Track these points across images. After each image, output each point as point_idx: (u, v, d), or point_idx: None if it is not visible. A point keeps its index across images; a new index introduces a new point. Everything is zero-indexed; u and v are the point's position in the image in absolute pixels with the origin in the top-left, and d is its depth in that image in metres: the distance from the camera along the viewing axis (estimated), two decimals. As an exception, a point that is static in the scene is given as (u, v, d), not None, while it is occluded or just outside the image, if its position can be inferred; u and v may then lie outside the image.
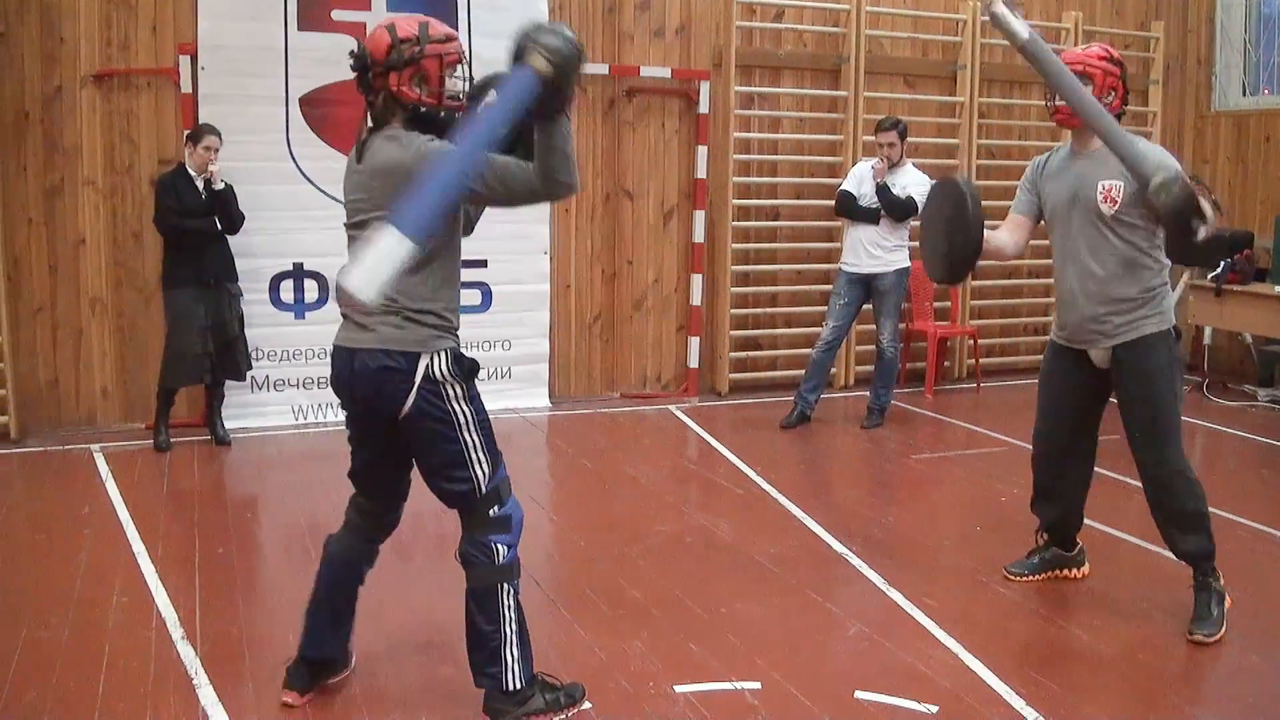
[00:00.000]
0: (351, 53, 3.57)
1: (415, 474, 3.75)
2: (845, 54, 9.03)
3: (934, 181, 4.89)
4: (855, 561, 5.24)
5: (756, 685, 3.95)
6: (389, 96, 3.48)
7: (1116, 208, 4.32)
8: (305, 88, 7.55)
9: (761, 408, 8.46)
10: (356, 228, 3.57)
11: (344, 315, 3.57)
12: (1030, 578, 4.96)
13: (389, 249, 3.00)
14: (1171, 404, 4.46)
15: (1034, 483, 4.88)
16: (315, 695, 3.84)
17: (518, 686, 3.60)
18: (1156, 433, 4.42)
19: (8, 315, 7.09)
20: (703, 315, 8.90)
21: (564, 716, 3.71)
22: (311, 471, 6.77)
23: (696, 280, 8.83)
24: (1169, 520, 4.47)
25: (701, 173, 8.71)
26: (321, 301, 7.74)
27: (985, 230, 4.44)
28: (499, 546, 3.56)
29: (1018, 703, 3.85)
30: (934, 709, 3.80)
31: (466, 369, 3.55)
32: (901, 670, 4.11)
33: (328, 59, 7.51)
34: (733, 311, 8.90)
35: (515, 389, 8.22)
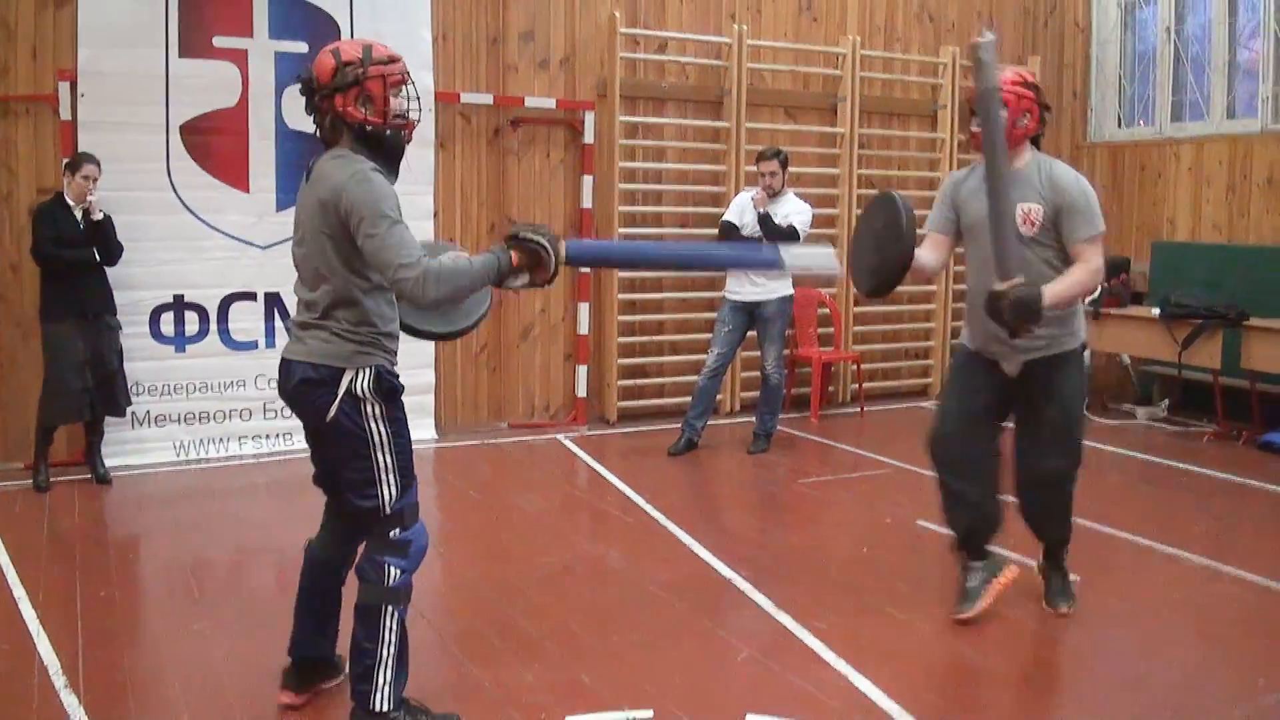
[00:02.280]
0: (298, 77, 3.64)
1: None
2: (727, 86, 9.17)
3: (877, 196, 4.74)
4: (744, 586, 5.30)
5: (649, 714, 3.97)
6: (335, 117, 3.57)
7: (1035, 230, 4.48)
8: (186, 115, 7.42)
9: (649, 435, 8.52)
10: (299, 245, 3.67)
11: (287, 329, 3.73)
12: (978, 609, 4.80)
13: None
14: (1081, 416, 4.82)
15: (943, 490, 4.88)
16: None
17: (384, 709, 3.64)
18: (1064, 439, 4.70)
19: (-125, 351, 6.85)
20: (590, 344, 8.94)
21: None
22: (194, 509, 6.65)
23: (583, 309, 8.86)
24: (1046, 514, 4.84)
25: (587, 202, 8.76)
26: (203, 334, 7.61)
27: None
28: (392, 569, 3.63)
29: (907, 722, 3.93)
30: (823, 732, 3.86)
31: (386, 389, 3.63)
32: (792, 693, 4.17)
33: (209, 86, 7.44)
34: (620, 340, 8.95)
35: (402, 420, 8.14)
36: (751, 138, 9.15)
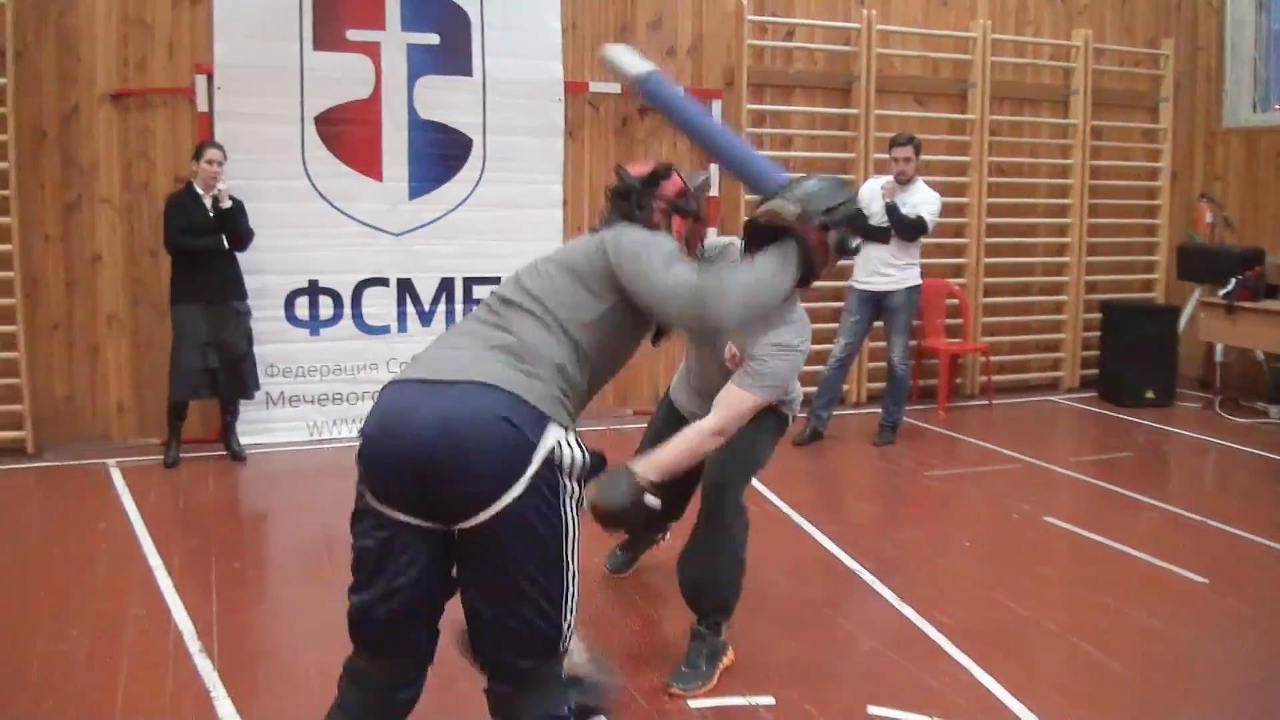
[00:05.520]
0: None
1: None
2: (856, 72, 9.07)
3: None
4: (867, 577, 5.25)
5: (770, 700, 3.98)
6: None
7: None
8: (320, 107, 7.59)
9: (773, 424, 8.46)
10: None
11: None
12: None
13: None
14: None
15: None
16: None
17: None
18: None
19: (25, 331, 7.13)
20: (714, 332, 8.91)
21: None
22: (326, 486, 6.79)
23: (707, 297, 8.82)
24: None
25: (715, 190, 8.75)
26: (336, 318, 7.79)
27: None
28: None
29: (1030, 718, 3.86)
30: (946, 724, 3.82)
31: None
32: (914, 686, 4.13)
33: (343, 78, 7.59)
34: (744, 328, 8.89)
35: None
36: (881, 125, 9.03)
